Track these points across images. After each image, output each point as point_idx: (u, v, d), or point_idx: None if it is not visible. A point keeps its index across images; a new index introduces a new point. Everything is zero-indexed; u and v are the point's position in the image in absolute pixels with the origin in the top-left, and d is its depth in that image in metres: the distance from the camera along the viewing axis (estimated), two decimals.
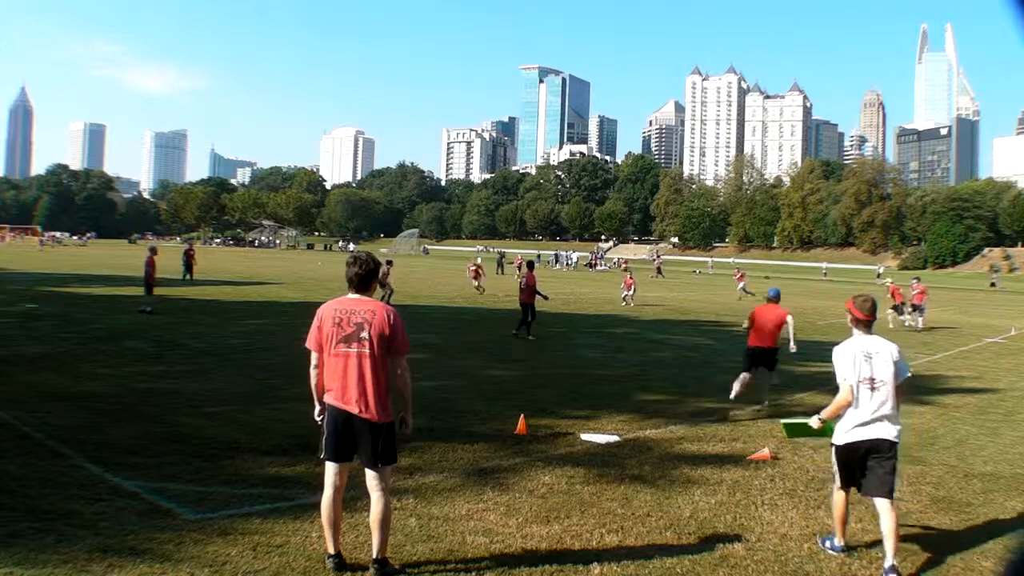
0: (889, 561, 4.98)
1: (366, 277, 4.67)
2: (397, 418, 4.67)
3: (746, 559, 5.16)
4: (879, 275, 75.76)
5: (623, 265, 56.08)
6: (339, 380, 4.55)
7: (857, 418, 5.21)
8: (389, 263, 27.89)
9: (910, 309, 24.71)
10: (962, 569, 5.20)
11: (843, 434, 5.28)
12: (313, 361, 4.69)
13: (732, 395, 10.41)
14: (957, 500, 6.70)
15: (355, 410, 4.52)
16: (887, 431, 5.18)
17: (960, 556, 5.40)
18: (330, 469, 4.64)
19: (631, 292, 28.71)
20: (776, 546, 5.43)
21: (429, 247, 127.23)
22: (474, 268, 32.66)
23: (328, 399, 4.63)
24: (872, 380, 5.19)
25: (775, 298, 11.06)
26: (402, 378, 4.63)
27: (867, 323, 5.37)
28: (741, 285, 37.01)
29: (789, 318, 10.69)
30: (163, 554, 4.76)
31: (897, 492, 5.42)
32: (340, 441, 4.59)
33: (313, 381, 4.72)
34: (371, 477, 4.60)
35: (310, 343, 4.66)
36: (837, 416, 5.31)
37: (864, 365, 5.22)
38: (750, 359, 10.61)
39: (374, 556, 4.60)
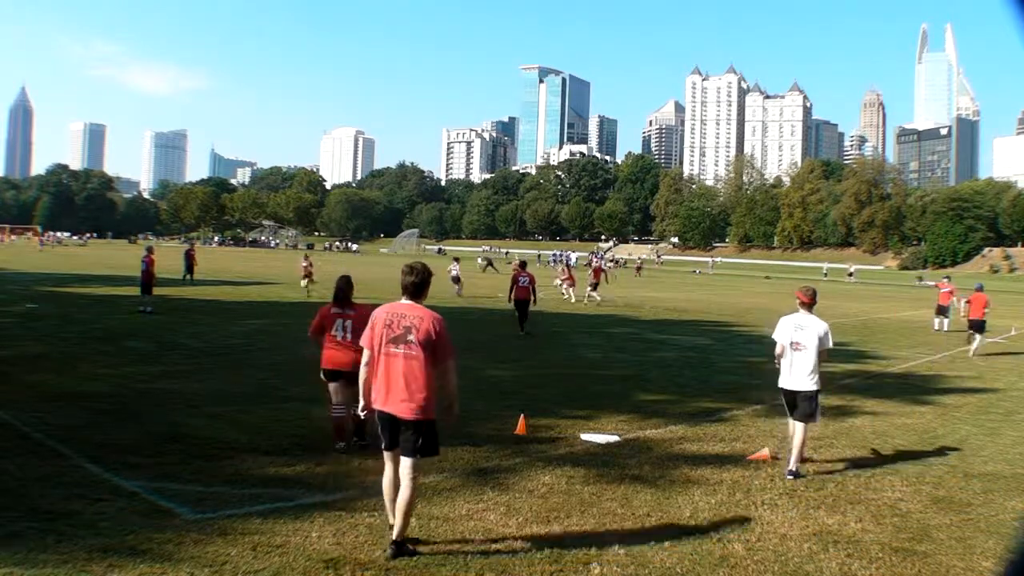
0: (789, 466, 7.22)
1: (420, 285, 5.10)
2: (443, 408, 5.02)
3: (746, 559, 5.16)
4: (850, 274, 77.54)
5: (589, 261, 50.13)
6: (385, 377, 4.94)
7: (788, 370, 7.49)
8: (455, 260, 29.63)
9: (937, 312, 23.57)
10: (962, 569, 5.20)
11: (783, 380, 7.57)
12: (364, 358, 5.11)
13: (972, 351, 17.50)
14: (957, 500, 6.70)
15: (399, 409, 4.87)
16: (805, 383, 7.37)
17: (960, 556, 5.40)
18: (387, 456, 5.09)
19: (571, 287, 28.90)
20: (776, 546, 5.43)
21: (431, 247, 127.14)
22: (305, 264, 29.18)
23: (375, 404, 5.00)
24: (797, 344, 7.42)
25: (980, 289, 18.95)
26: (447, 376, 5.01)
27: (807, 305, 7.54)
28: (558, 281, 32.76)
29: (987, 308, 18.19)
30: (163, 554, 4.77)
31: (896, 492, 6.81)
32: (391, 434, 4.99)
33: (363, 377, 5.14)
34: (406, 465, 4.92)
35: (364, 341, 5.11)
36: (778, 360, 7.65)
37: (794, 333, 7.44)
38: (971, 326, 18.24)
39: (393, 538, 4.92)
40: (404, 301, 5.09)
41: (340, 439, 7.38)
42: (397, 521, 4.91)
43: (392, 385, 4.89)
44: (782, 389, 7.60)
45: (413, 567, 4.79)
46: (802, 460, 7.46)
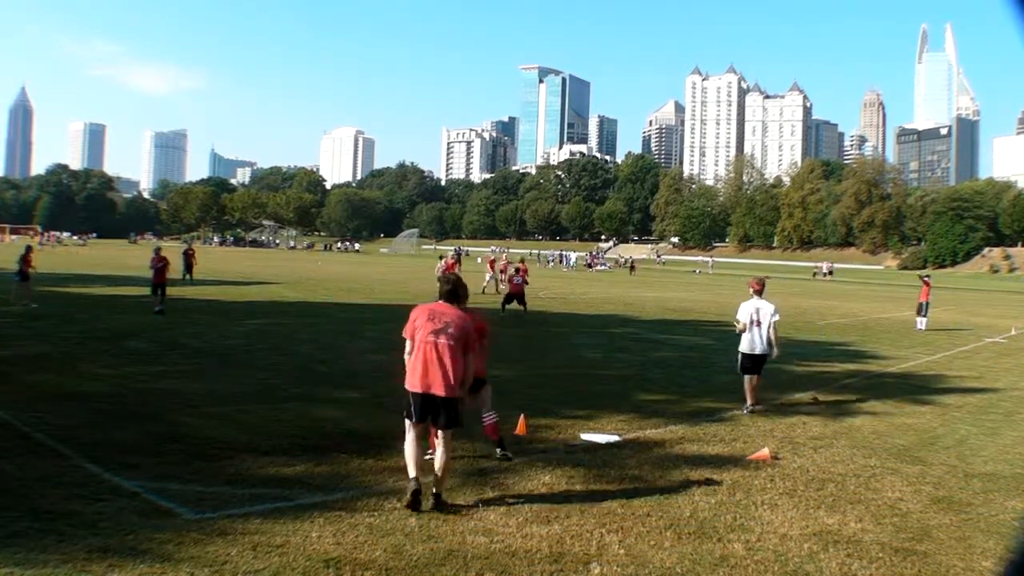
0: (748, 405, 9.98)
1: (453, 292, 6.23)
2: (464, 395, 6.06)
3: (746, 559, 5.16)
4: (814, 274, 77.85)
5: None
6: (422, 361, 5.87)
7: (749, 340, 10.16)
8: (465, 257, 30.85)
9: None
10: (962, 569, 5.20)
11: (745, 347, 10.20)
12: (407, 347, 6.12)
13: None
14: (957, 500, 6.70)
15: (435, 389, 5.80)
16: (762, 348, 10.14)
17: (960, 556, 5.40)
18: (410, 425, 5.97)
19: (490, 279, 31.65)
20: (776, 546, 5.43)
21: (431, 246, 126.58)
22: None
23: (410, 386, 5.90)
24: (757, 322, 10.14)
25: None
26: (470, 366, 6.03)
27: (759, 291, 10.38)
28: (489, 276, 34.02)
29: None
30: (163, 554, 4.76)
31: (896, 492, 6.83)
32: (421, 411, 5.91)
33: (407, 358, 6.13)
34: (441, 436, 5.95)
35: (406, 333, 6.12)
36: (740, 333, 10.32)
37: (752, 313, 10.17)
38: None
39: (433, 491, 5.84)
40: (441, 302, 6.18)
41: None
42: (437, 477, 5.87)
43: (431, 368, 5.84)
44: (744, 353, 10.18)
45: (413, 567, 4.79)
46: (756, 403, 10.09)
